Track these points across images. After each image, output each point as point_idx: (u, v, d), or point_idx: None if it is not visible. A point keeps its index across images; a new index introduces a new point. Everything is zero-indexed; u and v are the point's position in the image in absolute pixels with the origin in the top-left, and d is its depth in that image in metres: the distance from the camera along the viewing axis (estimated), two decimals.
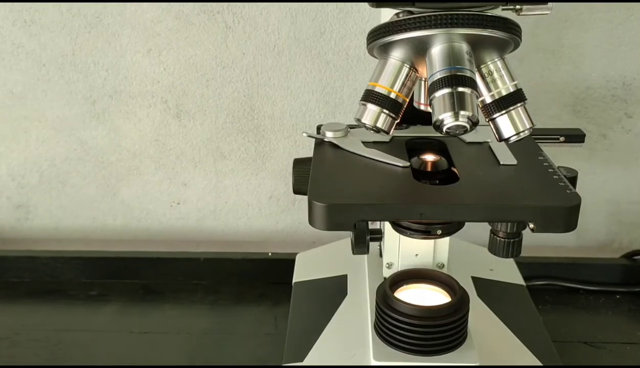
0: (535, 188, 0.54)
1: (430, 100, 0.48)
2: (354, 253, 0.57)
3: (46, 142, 0.92)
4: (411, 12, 0.49)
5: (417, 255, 0.64)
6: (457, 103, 0.46)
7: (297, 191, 0.62)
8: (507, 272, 0.77)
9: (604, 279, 0.85)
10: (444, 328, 0.55)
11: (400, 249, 0.64)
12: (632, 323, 0.79)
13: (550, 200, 0.51)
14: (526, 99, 0.51)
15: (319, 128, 0.65)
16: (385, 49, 0.51)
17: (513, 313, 0.68)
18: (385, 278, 0.64)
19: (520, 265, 0.79)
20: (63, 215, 0.96)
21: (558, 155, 0.65)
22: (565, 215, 0.50)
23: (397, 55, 0.51)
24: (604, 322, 0.79)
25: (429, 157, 0.61)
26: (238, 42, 0.85)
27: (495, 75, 0.51)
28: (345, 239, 0.78)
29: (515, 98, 0.51)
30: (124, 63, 0.87)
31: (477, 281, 0.72)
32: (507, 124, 0.51)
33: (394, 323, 0.56)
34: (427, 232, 0.57)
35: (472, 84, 0.47)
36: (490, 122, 0.52)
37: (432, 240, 0.64)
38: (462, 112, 0.46)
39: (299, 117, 0.90)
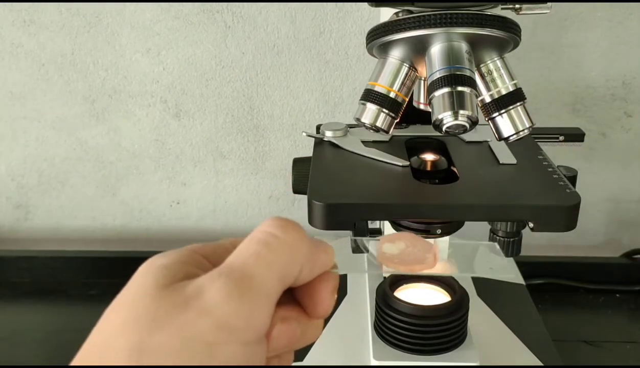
0: (535, 187, 0.54)
1: (430, 100, 0.48)
2: (353, 252, 0.57)
3: (46, 141, 0.92)
4: (410, 12, 0.49)
5: None
6: (457, 102, 0.46)
7: (296, 191, 0.62)
8: (507, 271, 0.77)
9: (604, 278, 0.85)
10: (444, 327, 0.55)
11: None
12: (632, 323, 0.79)
13: (550, 199, 0.51)
14: (525, 98, 0.51)
15: (318, 127, 0.65)
16: (385, 49, 0.51)
17: (513, 312, 0.68)
18: (385, 277, 0.64)
19: (520, 264, 0.79)
20: (63, 215, 0.96)
21: (558, 154, 0.65)
22: (565, 215, 0.50)
23: (396, 54, 0.51)
24: (604, 321, 0.79)
25: (429, 157, 0.61)
26: (237, 41, 0.85)
27: (495, 74, 0.51)
28: (345, 239, 0.78)
29: (514, 97, 0.51)
30: (123, 63, 0.87)
31: (476, 280, 0.72)
32: (507, 123, 0.51)
33: (394, 323, 0.56)
34: (426, 232, 0.57)
35: (472, 83, 0.47)
36: (489, 122, 0.52)
37: (432, 240, 0.64)
38: (461, 112, 0.46)
39: (299, 117, 0.90)
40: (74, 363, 0.24)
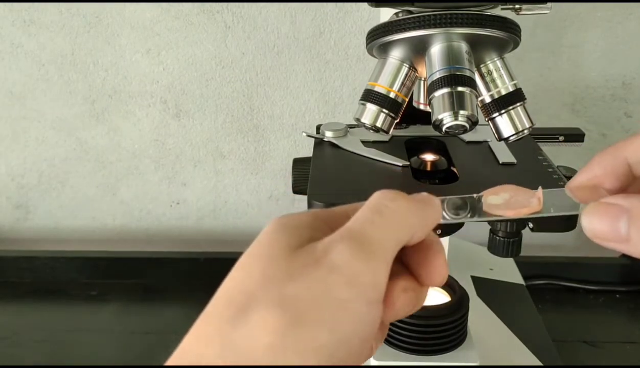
0: (535, 187, 0.54)
1: (430, 100, 0.48)
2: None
3: (45, 142, 0.92)
4: (410, 12, 0.49)
5: None
6: (457, 102, 0.47)
7: (296, 191, 0.62)
8: (507, 271, 0.77)
9: (604, 278, 0.85)
10: (444, 327, 0.55)
11: None
12: (632, 323, 0.79)
13: None
14: (525, 99, 0.51)
15: (318, 128, 0.65)
16: (385, 49, 0.51)
17: (513, 313, 0.68)
18: None
19: (520, 264, 0.79)
20: (63, 215, 0.96)
21: (558, 154, 0.65)
22: (564, 215, 0.50)
23: (396, 54, 0.51)
24: (604, 321, 0.79)
25: (429, 157, 0.61)
26: (237, 41, 0.85)
27: (495, 74, 0.51)
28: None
29: (514, 97, 0.51)
30: (123, 63, 0.87)
31: (476, 281, 0.72)
32: (507, 124, 0.51)
33: (393, 323, 0.56)
34: None
35: (472, 84, 0.47)
36: (489, 122, 0.52)
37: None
38: (461, 112, 0.46)
39: (299, 117, 0.90)
40: (211, 306, 0.27)
